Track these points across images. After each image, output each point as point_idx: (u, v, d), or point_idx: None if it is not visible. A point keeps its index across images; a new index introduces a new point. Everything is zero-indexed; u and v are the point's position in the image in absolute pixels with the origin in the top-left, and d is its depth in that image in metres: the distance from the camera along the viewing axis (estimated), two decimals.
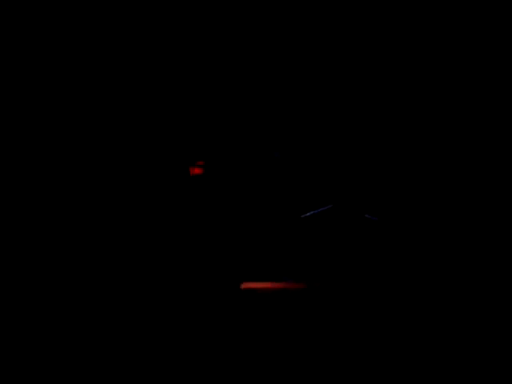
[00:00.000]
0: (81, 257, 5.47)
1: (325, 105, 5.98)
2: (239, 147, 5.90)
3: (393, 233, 5.80)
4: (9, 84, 5.46)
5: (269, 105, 5.94)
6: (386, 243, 5.78)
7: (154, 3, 5.65)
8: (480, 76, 5.65)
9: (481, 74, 5.65)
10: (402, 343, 4.91)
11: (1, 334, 5.12)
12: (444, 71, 5.74)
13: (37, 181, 5.51)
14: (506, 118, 5.60)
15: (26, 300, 5.27)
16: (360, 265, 5.72)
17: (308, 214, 5.90)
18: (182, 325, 5.35)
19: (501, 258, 5.42)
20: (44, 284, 5.35)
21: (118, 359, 5.11)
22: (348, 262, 5.77)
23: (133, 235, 5.55)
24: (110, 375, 5.02)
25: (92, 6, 5.46)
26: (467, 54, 5.61)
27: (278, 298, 5.52)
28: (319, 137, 6.01)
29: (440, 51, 5.64)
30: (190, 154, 5.83)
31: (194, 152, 5.84)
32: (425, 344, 4.88)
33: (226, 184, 5.83)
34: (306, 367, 5.06)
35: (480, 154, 5.69)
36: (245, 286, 5.56)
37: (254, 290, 5.56)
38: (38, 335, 5.11)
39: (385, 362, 4.81)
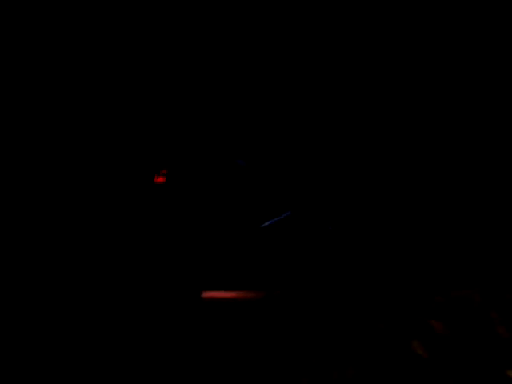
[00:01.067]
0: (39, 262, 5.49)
1: (288, 112, 6.07)
2: (203, 155, 5.97)
3: (348, 241, 5.95)
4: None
5: (233, 112, 6.00)
6: (342, 251, 5.93)
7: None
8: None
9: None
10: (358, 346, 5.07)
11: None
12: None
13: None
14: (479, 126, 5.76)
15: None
16: (318, 272, 5.86)
17: (267, 223, 6.01)
18: (140, 333, 5.43)
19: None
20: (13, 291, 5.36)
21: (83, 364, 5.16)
22: (307, 270, 5.91)
23: (93, 243, 5.59)
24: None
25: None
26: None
27: (238, 307, 5.63)
28: (283, 144, 6.10)
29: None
30: (153, 162, 5.87)
31: (158, 160, 5.88)
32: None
33: (189, 192, 5.90)
34: (262, 375, 5.20)
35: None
36: (206, 294, 5.67)
37: (215, 299, 5.66)
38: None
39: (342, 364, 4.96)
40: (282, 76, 5.96)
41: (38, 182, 5.58)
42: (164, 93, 5.88)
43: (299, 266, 5.94)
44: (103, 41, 5.65)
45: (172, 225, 5.80)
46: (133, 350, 5.32)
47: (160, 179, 5.82)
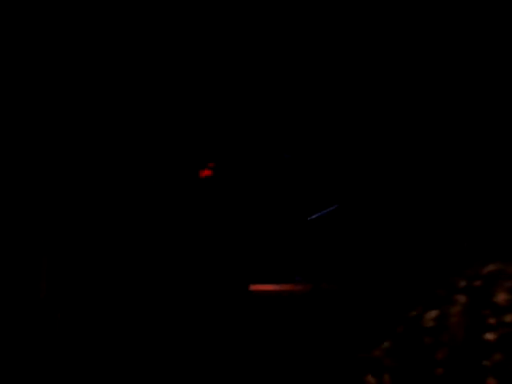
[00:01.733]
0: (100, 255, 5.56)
1: (332, 107, 6.05)
2: (249, 149, 5.97)
3: (397, 234, 5.89)
4: (7, 84, 5.48)
5: (278, 107, 6.00)
6: (391, 244, 5.87)
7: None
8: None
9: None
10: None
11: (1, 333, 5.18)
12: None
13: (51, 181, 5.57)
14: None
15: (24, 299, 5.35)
16: (366, 266, 5.81)
17: (314, 216, 5.99)
18: (192, 324, 5.46)
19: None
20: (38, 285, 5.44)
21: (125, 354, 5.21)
22: (355, 263, 5.87)
23: (144, 237, 5.63)
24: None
25: (90, 6, 5.48)
26: (466, 54, 5.64)
27: (285, 300, 5.62)
28: (327, 138, 6.08)
29: (438, 53, 5.67)
30: (200, 155, 5.89)
31: (204, 154, 5.90)
32: None
33: (235, 186, 5.91)
34: (306, 367, 5.18)
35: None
36: (253, 287, 5.67)
37: (263, 292, 5.66)
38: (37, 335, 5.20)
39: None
40: (326, 80, 5.94)
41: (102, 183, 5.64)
42: (211, 91, 5.90)
43: (345, 259, 5.90)
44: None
45: (219, 218, 5.81)
46: (183, 337, 5.35)
47: (207, 172, 5.84)
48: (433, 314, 0.72)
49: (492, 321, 0.67)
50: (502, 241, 5.15)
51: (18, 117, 5.47)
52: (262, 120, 5.96)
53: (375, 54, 5.82)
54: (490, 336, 0.66)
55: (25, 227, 5.41)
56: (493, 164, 5.62)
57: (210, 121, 5.90)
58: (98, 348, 5.22)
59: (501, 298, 0.70)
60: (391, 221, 5.84)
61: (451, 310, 0.71)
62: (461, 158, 5.73)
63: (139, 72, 5.70)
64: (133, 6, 5.57)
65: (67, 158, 5.59)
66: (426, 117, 5.86)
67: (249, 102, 5.93)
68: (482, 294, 0.71)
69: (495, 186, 5.59)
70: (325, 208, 6.01)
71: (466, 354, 0.67)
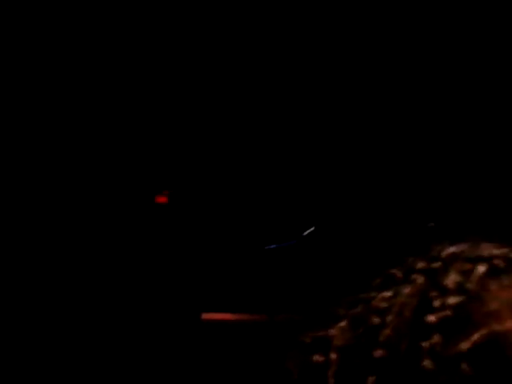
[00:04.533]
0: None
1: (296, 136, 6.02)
2: (204, 176, 5.91)
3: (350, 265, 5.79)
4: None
5: (232, 134, 5.97)
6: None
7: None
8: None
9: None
10: None
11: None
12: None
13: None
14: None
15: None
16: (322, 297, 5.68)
17: (272, 246, 5.88)
18: (141, 352, 5.29)
19: None
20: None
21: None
22: (312, 295, 5.75)
23: (94, 259, 5.50)
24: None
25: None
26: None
27: (239, 329, 5.48)
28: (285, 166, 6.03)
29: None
30: (155, 182, 5.82)
31: (160, 181, 5.83)
32: None
33: (190, 213, 5.82)
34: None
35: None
36: (205, 316, 5.52)
37: (215, 321, 5.52)
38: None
39: None
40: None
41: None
42: (167, 118, 5.86)
43: (302, 290, 5.78)
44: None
45: (173, 244, 5.70)
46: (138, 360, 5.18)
47: (162, 199, 5.75)
48: (387, 294, 0.72)
49: (437, 303, 0.68)
50: (472, 222, 5.09)
51: None
52: (217, 147, 5.91)
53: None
54: (431, 318, 0.67)
55: None
56: (467, 147, 5.59)
57: (166, 148, 5.85)
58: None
59: (450, 280, 0.70)
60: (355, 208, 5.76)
61: (403, 290, 0.71)
62: (428, 142, 5.69)
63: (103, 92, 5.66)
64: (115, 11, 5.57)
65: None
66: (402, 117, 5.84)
67: (203, 129, 5.89)
68: (437, 276, 0.71)
69: (469, 168, 5.55)
70: (283, 240, 5.92)
71: (407, 335, 0.67)
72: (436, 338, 0.66)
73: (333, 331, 0.73)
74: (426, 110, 5.69)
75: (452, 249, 0.77)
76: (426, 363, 0.65)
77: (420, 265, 0.75)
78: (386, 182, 5.78)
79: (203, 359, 5.26)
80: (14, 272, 5.34)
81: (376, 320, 0.71)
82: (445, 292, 0.69)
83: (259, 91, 5.88)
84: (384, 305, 0.72)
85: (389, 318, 0.70)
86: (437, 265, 0.74)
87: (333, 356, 0.71)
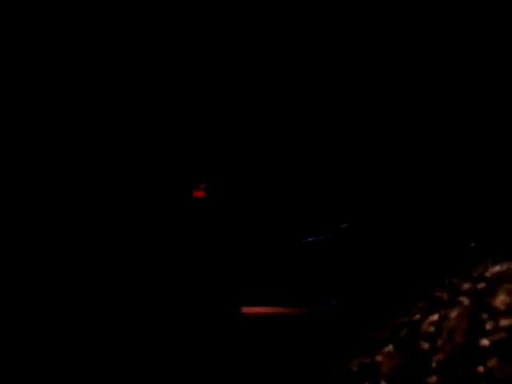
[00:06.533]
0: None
1: (326, 128, 6.00)
2: (241, 170, 5.91)
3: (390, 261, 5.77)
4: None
5: (268, 126, 5.96)
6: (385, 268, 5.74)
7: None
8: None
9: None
10: None
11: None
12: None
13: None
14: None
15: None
16: (366, 280, 5.67)
17: (310, 239, 5.88)
18: (180, 346, 5.32)
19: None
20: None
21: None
22: (353, 281, 5.74)
23: (136, 256, 5.54)
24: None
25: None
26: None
27: (278, 322, 5.49)
28: (321, 157, 6.02)
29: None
30: (192, 176, 5.84)
31: (197, 175, 5.85)
32: None
33: (228, 207, 5.83)
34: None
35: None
36: (245, 310, 5.54)
37: (254, 315, 5.53)
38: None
39: None
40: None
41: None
42: (204, 111, 5.88)
43: (342, 279, 5.77)
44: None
45: (212, 238, 5.72)
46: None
47: (199, 193, 5.77)
48: (433, 317, 0.71)
49: (489, 325, 0.66)
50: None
51: None
52: (253, 140, 5.91)
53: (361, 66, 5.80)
54: (485, 342, 0.65)
55: None
56: (503, 165, 5.52)
57: (203, 142, 5.86)
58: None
59: (499, 301, 0.68)
60: (395, 224, 5.72)
61: (451, 313, 0.70)
62: (469, 159, 5.63)
63: (129, 88, 5.69)
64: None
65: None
66: (423, 119, 5.80)
67: (241, 122, 5.90)
68: (484, 297, 0.69)
69: (504, 187, 5.48)
70: (321, 233, 5.91)
71: (461, 360, 0.66)
72: (492, 362, 0.65)
73: (379, 357, 0.71)
74: (458, 125, 5.64)
75: (496, 268, 0.75)
76: None
77: (465, 286, 0.73)
78: (427, 202, 5.74)
79: (243, 353, 5.28)
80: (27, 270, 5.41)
81: (425, 345, 0.69)
82: (495, 314, 0.68)
83: (286, 89, 5.88)
84: (432, 329, 0.70)
85: (439, 343, 0.68)
86: (482, 285, 0.72)
87: None
